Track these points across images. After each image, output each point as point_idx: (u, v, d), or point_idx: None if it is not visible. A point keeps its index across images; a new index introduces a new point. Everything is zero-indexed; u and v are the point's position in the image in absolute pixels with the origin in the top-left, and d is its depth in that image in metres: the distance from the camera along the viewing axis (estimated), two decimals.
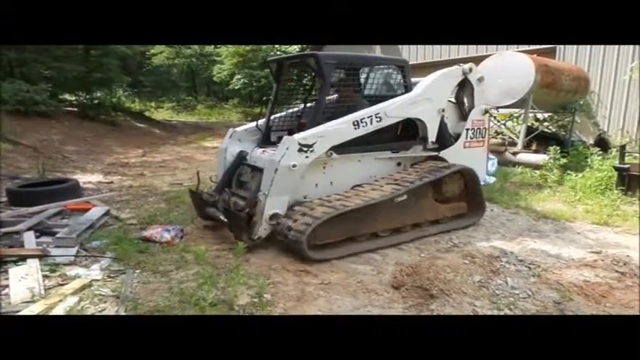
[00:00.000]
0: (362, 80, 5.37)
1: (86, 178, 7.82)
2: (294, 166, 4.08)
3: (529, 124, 9.07)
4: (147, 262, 3.81)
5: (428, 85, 4.99)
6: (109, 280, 3.48)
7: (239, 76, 22.11)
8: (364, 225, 4.27)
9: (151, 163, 10.63)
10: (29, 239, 3.99)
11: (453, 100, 5.54)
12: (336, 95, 5.13)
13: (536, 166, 7.87)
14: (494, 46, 10.66)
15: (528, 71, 7.90)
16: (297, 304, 3.11)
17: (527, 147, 8.78)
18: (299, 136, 4.18)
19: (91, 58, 15.85)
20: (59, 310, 2.89)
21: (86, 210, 5.04)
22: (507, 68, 8.20)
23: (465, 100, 5.50)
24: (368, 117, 4.50)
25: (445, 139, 5.27)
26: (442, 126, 5.21)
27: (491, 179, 7.29)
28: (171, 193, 6.70)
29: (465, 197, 5.11)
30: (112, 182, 7.89)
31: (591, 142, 9.16)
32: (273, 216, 4.12)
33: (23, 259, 3.62)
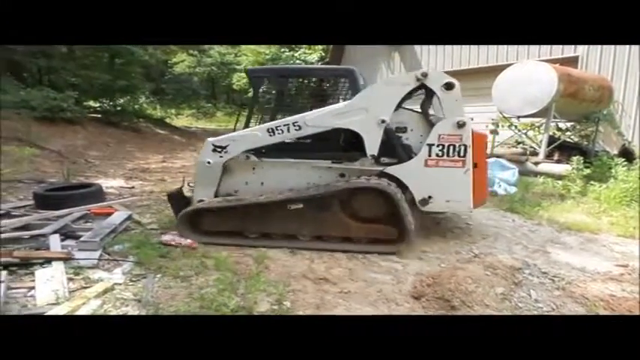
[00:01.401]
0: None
1: (108, 183, 7.96)
2: (208, 162, 4.80)
3: (551, 133, 8.93)
4: (167, 266, 3.85)
5: (363, 94, 4.65)
6: (131, 284, 3.52)
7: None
8: (252, 224, 4.63)
9: (170, 168, 10.78)
10: (55, 242, 4.07)
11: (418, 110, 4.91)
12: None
13: (558, 177, 7.73)
14: (516, 53, 10.58)
15: (551, 80, 7.79)
16: (317, 312, 3.10)
17: (549, 157, 8.63)
18: (213, 139, 4.88)
19: (116, 67, 16.25)
20: (83, 313, 2.94)
21: (109, 214, 5.12)
22: (529, 77, 8.10)
23: (432, 111, 4.88)
24: (284, 125, 4.65)
25: (396, 154, 4.66)
26: (392, 139, 4.65)
27: (512, 189, 7.22)
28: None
29: (394, 222, 4.42)
30: (133, 187, 8.02)
31: (615, 152, 8.95)
32: (199, 202, 4.79)
33: (49, 261, 3.69)
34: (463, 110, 4.43)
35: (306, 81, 5.42)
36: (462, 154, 4.49)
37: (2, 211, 5.08)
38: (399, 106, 4.61)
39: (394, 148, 4.65)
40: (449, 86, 4.43)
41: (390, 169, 4.62)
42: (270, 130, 4.68)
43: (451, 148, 4.51)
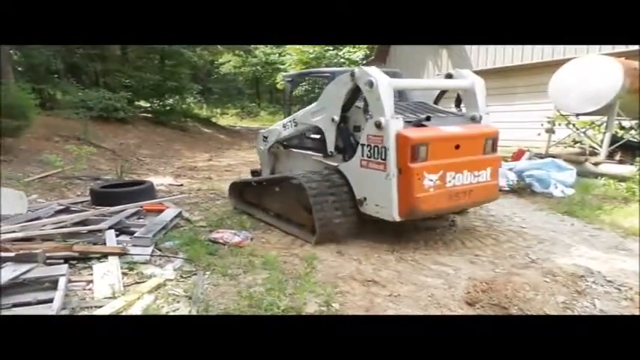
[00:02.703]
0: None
1: (158, 181, 8.22)
2: (261, 149, 6.35)
3: (612, 132, 8.37)
4: (216, 264, 3.89)
5: (323, 93, 4.91)
6: (182, 280, 3.59)
7: (302, 83, 22.49)
8: (261, 200, 5.57)
9: (217, 167, 11.03)
10: (110, 237, 4.22)
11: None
12: None
13: (621, 178, 7.21)
14: (574, 48, 10.01)
15: (615, 75, 7.28)
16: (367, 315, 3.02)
17: (610, 157, 8.09)
18: (263, 130, 6.42)
19: (166, 68, 16.84)
20: (137, 308, 3.01)
21: (160, 211, 5.26)
22: (591, 72, 7.61)
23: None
24: (289, 121, 5.53)
25: (346, 152, 4.72)
26: (344, 137, 4.72)
27: (570, 191, 6.81)
28: None
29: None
30: (181, 185, 8.26)
31: None
32: None
33: (105, 256, 3.83)
34: (384, 110, 4.09)
35: None
36: (383, 157, 4.16)
37: (62, 207, 5.34)
38: (350, 104, 4.60)
39: (345, 146, 4.74)
40: (369, 84, 4.18)
41: (340, 166, 4.75)
42: (283, 125, 5.61)
43: (376, 149, 4.24)
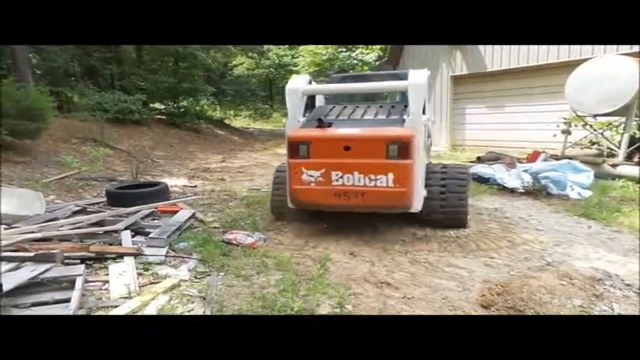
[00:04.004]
0: None
1: (173, 182, 8.31)
2: None
3: (631, 132, 8.21)
4: (230, 265, 3.92)
5: None
6: (196, 281, 3.62)
7: None
8: None
9: (230, 168, 11.10)
10: (126, 238, 4.27)
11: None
12: None
13: None
14: (591, 48, 9.86)
15: (633, 75, 7.15)
16: None
17: (628, 158, 7.93)
18: None
19: (180, 70, 17.01)
20: (152, 308, 3.05)
21: (174, 212, 5.31)
22: (608, 72, 7.49)
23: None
24: None
25: None
26: None
27: (587, 193, 6.70)
28: (250, 198, 6.91)
29: None
30: (195, 186, 8.33)
31: None
32: None
33: (121, 256, 3.88)
34: (288, 113, 4.88)
35: None
36: None
37: (79, 208, 5.43)
38: (306, 108, 5.08)
39: None
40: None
41: None
42: None
43: None
